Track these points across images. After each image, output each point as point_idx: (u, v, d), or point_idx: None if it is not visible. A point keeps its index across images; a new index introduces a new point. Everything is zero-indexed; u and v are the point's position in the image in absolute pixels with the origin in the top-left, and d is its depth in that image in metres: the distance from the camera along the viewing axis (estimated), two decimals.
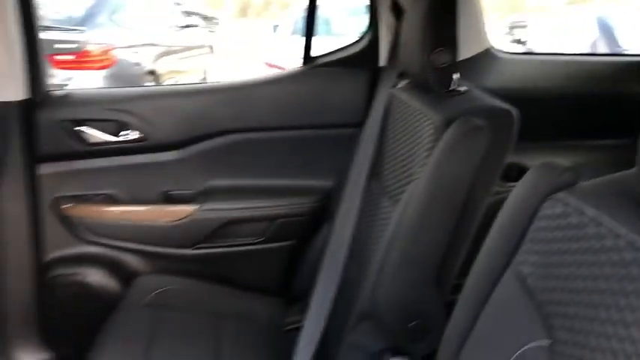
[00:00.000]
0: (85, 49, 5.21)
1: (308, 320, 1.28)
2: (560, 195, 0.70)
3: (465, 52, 1.62)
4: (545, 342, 0.67)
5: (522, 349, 0.69)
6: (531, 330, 0.69)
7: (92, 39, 5.27)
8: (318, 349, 1.25)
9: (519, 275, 0.73)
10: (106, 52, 5.38)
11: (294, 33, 6.66)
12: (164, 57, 6.62)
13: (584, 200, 0.66)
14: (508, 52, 1.77)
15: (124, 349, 1.31)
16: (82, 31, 5.33)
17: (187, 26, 7.42)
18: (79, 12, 5.72)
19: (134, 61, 5.90)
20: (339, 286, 1.29)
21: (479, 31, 1.65)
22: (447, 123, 1.07)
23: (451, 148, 1.03)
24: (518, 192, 0.76)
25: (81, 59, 5.17)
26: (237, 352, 1.35)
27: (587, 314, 0.61)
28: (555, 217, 0.69)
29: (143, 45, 6.15)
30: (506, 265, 0.75)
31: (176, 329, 1.39)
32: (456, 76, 1.21)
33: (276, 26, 7.45)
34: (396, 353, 1.15)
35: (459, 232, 1.06)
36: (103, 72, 5.22)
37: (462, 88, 1.23)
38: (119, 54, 5.59)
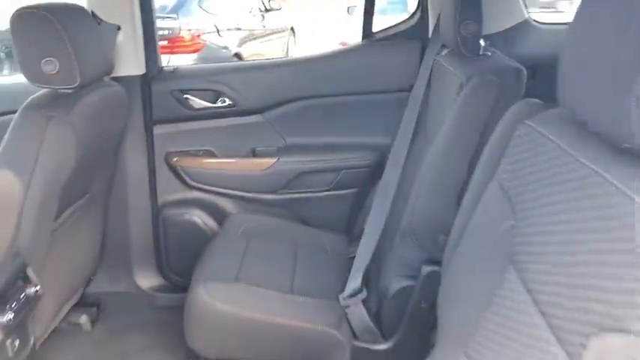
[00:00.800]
0: (177, 34, 5.68)
1: (362, 242, 1.62)
2: (528, 121, 0.98)
3: (504, 23, 1.87)
4: (512, 222, 0.96)
5: (498, 230, 0.99)
6: (504, 216, 0.98)
7: (184, 25, 5.76)
8: (370, 265, 1.59)
9: (499, 181, 1.02)
10: (196, 37, 5.87)
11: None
12: (248, 41, 7.07)
13: (539, 123, 0.95)
14: (545, 23, 1.98)
15: (221, 265, 1.68)
16: (174, 19, 5.82)
17: (269, 10, 7.81)
18: (171, 0, 6.18)
19: (221, 45, 6.36)
20: (388, 215, 1.61)
21: (516, 4, 1.88)
22: (468, 79, 1.36)
23: (468, 97, 1.32)
24: (502, 122, 1.05)
25: (174, 44, 5.65)
26: (308, 270, 1.70)
27: (536, 196, 0.90)
28: (523, 137, 0.98)
29: (229, 30, 6.61)
30: (492, 176, 1.05)
31: (262, 253, 1.76)
32: (482, 42, 1.48)
33: (351, 7, 7.70)
34: (429, 263, 1.46)
35: (475, 165, 1.35)
36: (194, 56, 5.70)
37: (489, 53, 1.51)
38: (208, 39, 6.08)
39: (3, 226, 1.04)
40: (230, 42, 6.61)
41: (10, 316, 1.29)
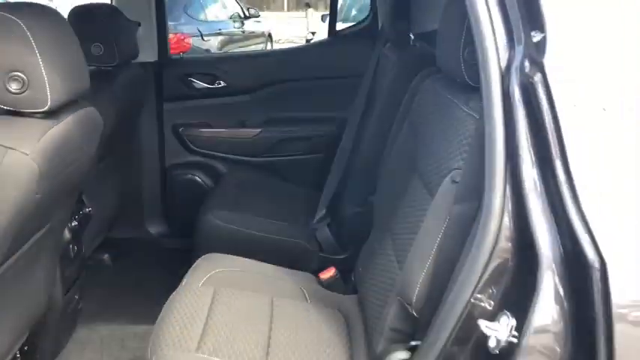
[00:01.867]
0: None
1: (327, 184, 2.18)
2: (427, 81, 1.56)
3: (432, 25, 2.45)
4: (415, 144, 1.53)
5: (408, 150, 1.56)
6: (410, 140, 1.55)
7: (170, 29, 6.24)
8: (333, 199, 2.14)
9: (410, 119, 1.59)
10: (181, 40, 6.38)
11: (337, 21, 7.53)
12: (229, 44, 7.62)
13: (433, 80, 1.52)
14: None
15: (222, 201, 2.20)
16: None
17: (249, 17, 8.36)
18: None
19: (204, 48, 6.89)
20: (346, 164, 2.18)
21: None
22: (396, 63, 1.94)
23: (395, 75, 1.90)
24: (413, 83, 1.63)
25: None
26: (287, 206, 2.25)
27: (428, 122, 1.47)
28: (424, 91, 1.56)
29: (211, 34, 7.15)
30: (405, 117, 1.62)
31: (251, 196, 2.30)
32: (411, 36, 2.06)
33: (324, 16, 8.32)
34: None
35: None
36: None
37: (417, 45, 2.09)
38: (192, 42, 6.60)
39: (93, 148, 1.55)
40: (212, 45, 7.14)
41: (75, 223, 1.81)
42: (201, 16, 7.32)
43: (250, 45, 8.31)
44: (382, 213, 1.66)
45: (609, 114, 0.87)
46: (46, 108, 1.20)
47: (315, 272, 1.98)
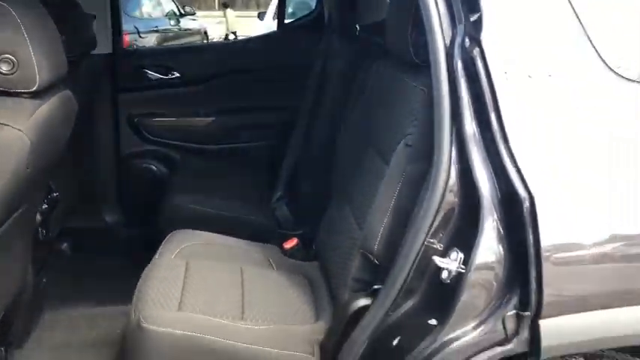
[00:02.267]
0: None
1: (284, 164, 2.34)
2: (376, 63, 1.74)
3: (377, 16, 2.65)
4: (367, 120, 1.71)
5: (362, 125, 1.73)
6: (364, 117, 1.73)
7: None
8: (290, 180, 2.30)
9: (362, 100, 1.77)
10: None
11: (275, 18, 7.70)
12: (165, 41, 7.61)
13: (381, 62, 1.71)
14: None
15: (184, 189, 2.31)
16: None
17: (185, 14, 8.37)
18: None
19: (141, 45, 6.87)
20: (301, 147, 2.34)
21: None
22: (345, 50, 2.12)
23: (344, 62, 2.10)
24: (363, 66, 1.81)
25: None
26: (247, 190, 2.38)
27: (377, 98, 1.65)
28: (374, 71, 1.74)
29: (148, 31, 7.14)
30: (358, 99, 1.80)
31: (210, 183, 2.40)
32: (357, 26, 2.24)
33: (261, 14, 8.45)
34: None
35: None
36: None
37: (363, 35, 2.27)
38: (129, 39, 6.57)
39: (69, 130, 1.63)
40: (149, 42, 7.13)
41: (45, 206, 1.88)
42: (137, 13, 7.29)
43: (187, 41, 8.33)
44: (340, 185, 1.84)
45: (533, 80, 1.08)
46: (34, 88, 1.29)
47: (278, 245, 2.14)
